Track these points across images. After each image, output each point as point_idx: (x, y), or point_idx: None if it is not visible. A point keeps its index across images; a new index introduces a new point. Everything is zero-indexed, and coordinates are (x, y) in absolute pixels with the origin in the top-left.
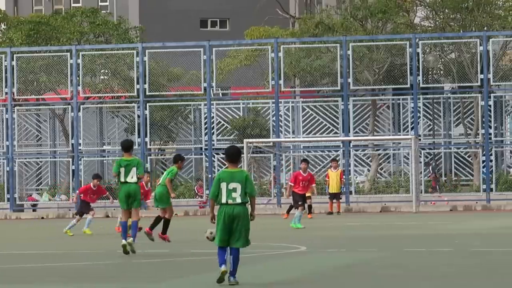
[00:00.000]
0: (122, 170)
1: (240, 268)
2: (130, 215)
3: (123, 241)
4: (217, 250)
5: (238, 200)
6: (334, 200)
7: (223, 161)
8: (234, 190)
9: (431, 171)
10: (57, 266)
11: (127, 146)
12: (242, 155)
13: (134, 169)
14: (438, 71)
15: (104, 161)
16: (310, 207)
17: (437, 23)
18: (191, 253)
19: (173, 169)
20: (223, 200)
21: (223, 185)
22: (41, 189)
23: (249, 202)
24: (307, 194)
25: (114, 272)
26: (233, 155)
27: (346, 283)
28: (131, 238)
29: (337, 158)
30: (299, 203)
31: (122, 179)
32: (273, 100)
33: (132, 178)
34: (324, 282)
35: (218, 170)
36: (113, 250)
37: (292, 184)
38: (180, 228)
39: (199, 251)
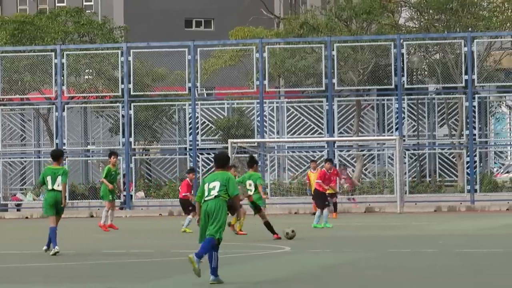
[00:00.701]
0: (49, 178)
1: (225, 268)
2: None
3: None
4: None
5: (214, 195)
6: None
7: (207, 161)
8: (213, 188)
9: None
10: (43, 266)
11: (55, 155)
12: (229, 161)
13: (60, 177)
14: (423, 72)
15: (89, 161)
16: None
17: (421, 24)
18: (177, 253)
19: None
20: (204, 199)
21: (206, 186)
22: (25, 188)
23: (227, 198)
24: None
25: (100, 272)
26: (220, 160)
27: (331, 283)
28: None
29: (316, 159)
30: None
31: (49, 187)
32: (258, 101)
33: (58, 186)
34: (309, 282)
35: (203, 170)
36: (98, 250)
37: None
38: (166, 228)
39: (184, 251)
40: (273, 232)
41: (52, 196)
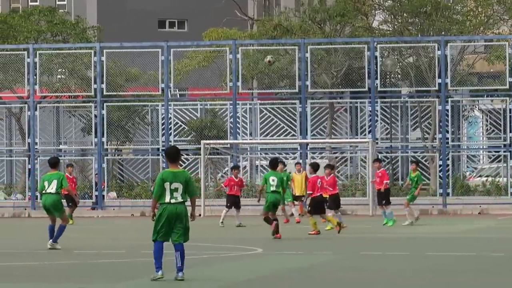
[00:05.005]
0: (46, 183)
1: (194, 269)
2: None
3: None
4: (154, 248)
5: (180, 199)
6: (297, 203)
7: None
8: (176, 190)
9: None
10: (13, 266)
11: (53, 163)
12: (181, 155)
13: (55, 181)
14: (396, 75)
15: (61, 161)
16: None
17: (395, 27)
18: (148, 254)
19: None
20: (166, 199)
21: (167, 185)
22: None
23: (189, 202)
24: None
25: (71, 272)
26: (172, 155)
27: (301, 286)
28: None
29: (300, 161)
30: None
31: (45, 190)
32: (231, 102)
33: (52, 189)
34: (279, 284)
35: None
36: (70, 250)
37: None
38: (138, 228)
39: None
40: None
41: (44, 199)
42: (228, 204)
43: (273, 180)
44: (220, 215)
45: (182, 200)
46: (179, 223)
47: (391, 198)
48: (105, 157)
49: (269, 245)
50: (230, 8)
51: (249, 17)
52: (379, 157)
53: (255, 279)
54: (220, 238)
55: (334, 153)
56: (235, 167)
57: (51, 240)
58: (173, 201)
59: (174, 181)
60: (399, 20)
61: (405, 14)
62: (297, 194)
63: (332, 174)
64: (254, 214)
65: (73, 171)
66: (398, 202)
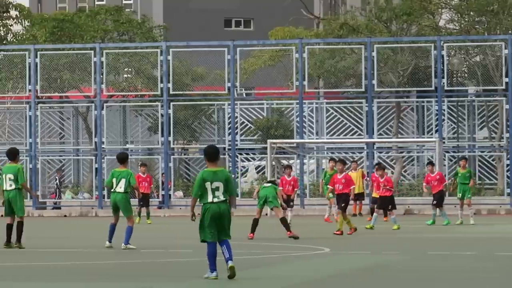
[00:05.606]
0: (114, 180)
1: (263, 268)
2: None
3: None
4: (208, 250)
5: (222, 198)
6: (357, 202)
7: (246, 161)
8: (217, 188)
9: None
10: (81, 265)
11: (121, 158)
12: (220, 154)
13: (124, 180)
14: (463, 74)
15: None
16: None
17: (462, 25)
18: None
19: None
20: (209, 199)
21: (208, 185)
22: (64, 187)
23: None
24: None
25: (137, 271)
26: (212, 154)
27: (370, 286)
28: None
29: (356, 159)
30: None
31: (113, 189)
32: (297, 101)
33: (120, 188)
34: (348, 283)
35: (242, 170)
36: (137, 249)
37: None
38: None
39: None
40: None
41: (112, 198)
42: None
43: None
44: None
45: (224, 198)
46: (223, 221)
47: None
48: (172, 156)
49: (336, 245)
50: (296, 7)
51: (315, 16)
52: (445, 156)
53: (325, 278)
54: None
55: (401, 152)
56: (287, 167)
57: (123, 243)
58: (215, 200)
59: (215, 180)
60: (466, 19)
61: (471, 13)
62: (354, 193)
63: (345, 172)
64: (321, 214)
65: (146, 170)
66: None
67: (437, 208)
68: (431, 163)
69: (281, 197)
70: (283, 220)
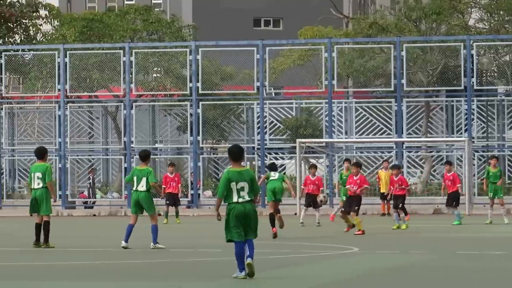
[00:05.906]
0: (135, 178)
1: (293, 268)
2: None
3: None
4: (235, 250)
5: (247, 198)
6: (385, 201)
7: (274, 160)
8: (242, 188)
9: None
10: (111, 264)
11: (143, 156)
12: (244, 153)
13: (145, 178)
14: (492, 73)
15: (156, 159)
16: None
17: (491, 25)
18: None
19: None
20: (234, 199)
21: (233, 185)
22: (96, 187)
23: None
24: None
25: (166, 271)
26: (236, 154)
27: (400, 285)
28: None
29: (389, 160)
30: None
31: (134, 187)
32: (326, 100)
33: (142, 187)
34: (378, 283)
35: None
36: (166, 248)
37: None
38: None
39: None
40: None
41: (133, 197)
42: (306, 203)
43: None
44: (315, 214)
45: (249, 198)
46: (249, 221)
47: (487, 198)
48: (201, 156)
49: (365, 244)
50: (325, 6)
51: (344, 15)
52: (475, 155)
53: (353, 278)
54: (315, 236)
55: (430, 151)
56: (312, 166)
57: (151, 243)
58: (240, 200)
59: (240, 180)
60: (496, 18)
61: (501, 12)
62: (382, 191)
63: (361, 173)
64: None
65: (174, 170)
66: (495, 201)
67: (450, 208)
68: (448, 162)
69: (291, 187)
70: (271, 216)
